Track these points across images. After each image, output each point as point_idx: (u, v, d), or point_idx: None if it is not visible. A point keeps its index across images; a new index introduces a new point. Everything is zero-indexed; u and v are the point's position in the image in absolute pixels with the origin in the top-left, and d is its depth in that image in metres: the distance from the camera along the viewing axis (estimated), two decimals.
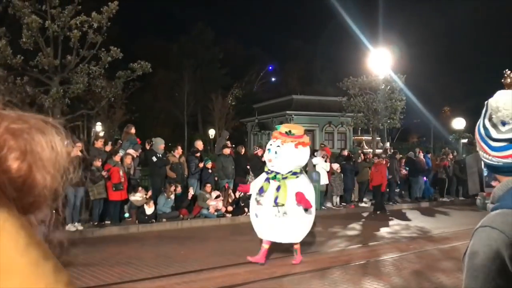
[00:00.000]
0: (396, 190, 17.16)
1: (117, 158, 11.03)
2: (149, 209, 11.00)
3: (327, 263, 7.77)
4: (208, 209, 11.84)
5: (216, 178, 13.16)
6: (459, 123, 29.19)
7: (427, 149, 21.87)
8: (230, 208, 12.31)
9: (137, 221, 10.92)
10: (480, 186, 1.73)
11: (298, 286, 6.46)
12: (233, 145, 14.65)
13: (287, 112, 33.38)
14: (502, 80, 13.75)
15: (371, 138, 29.36)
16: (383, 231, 11.42)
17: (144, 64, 15.24)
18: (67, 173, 0.58)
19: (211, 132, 39.04)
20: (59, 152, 0.56)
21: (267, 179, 7.52)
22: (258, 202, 7.49)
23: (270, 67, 49.27)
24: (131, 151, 11.49)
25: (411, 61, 30.35)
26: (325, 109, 32.82)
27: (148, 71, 15.64)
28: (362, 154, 16.98)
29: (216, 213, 11.95)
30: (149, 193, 11.35)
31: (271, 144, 7.64)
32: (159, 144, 12.14)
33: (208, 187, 12.14)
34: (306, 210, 7.39)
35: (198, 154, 12.97)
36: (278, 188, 7.30)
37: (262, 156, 13.78)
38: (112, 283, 6.42)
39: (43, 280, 0.51)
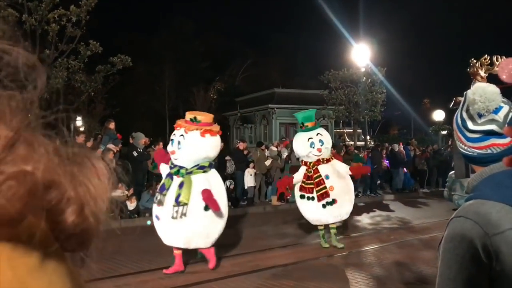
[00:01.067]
0: (377, 182, 17.38)
1: (97, 153, 10.93)
2: (131, 205, 10.93)
3: (309, 255, 7.85)
4: None
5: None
6: (438, 115, 29.67)
7: (407, 141, 22.16)
8: None
9: (119, 217, 10.84)
10: (465, 172, 1.76)
11: (281, 279, 6.52)
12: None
13: (269, 105, 33.36)
14: (468, 69, 13.94)
15: (352, 130, 29.61)
16: (365, 222, 11.57)
17: (124, 58, 15.10)
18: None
19: None
20: (106, 186, 0.50)
21: (169, 175, 6.52)
22: (159, 202, 6.46)
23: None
24: (111, 146, 11.40)
25: (391, 54, 30.67)
26: (307, 102, 32.72)
27: (129, 65, 15.50)
28: (344, 147, 17.14)
29: None
30: (131, 190, 11.25)
31: (174, 134, 6.64)
32: (140, 138, 12.06)
33: None
34: (207, 210, 6.42)
35: None
36: (181, 185, 6.33)
37: (244, 149, 13.88)
38: (95, 279, 6.36)
39: None
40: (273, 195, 13.92)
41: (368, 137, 30.45)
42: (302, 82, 41.13)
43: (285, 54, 47.98)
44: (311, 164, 8.08)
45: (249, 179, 13.42)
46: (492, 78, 14.71)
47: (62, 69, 14.04)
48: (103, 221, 0.50)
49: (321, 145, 7.98)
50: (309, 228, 10.51)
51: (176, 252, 6.69)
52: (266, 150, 14.34)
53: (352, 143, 25.07)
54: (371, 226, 10.99)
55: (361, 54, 23.48)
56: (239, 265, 7.16)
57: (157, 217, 6.57)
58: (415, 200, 16.02)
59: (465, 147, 1.42)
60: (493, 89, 1.39)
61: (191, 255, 7.19)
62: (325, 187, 7.85)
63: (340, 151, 16.17)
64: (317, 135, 8.12)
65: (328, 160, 8.12)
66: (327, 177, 7.90)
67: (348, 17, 30.75)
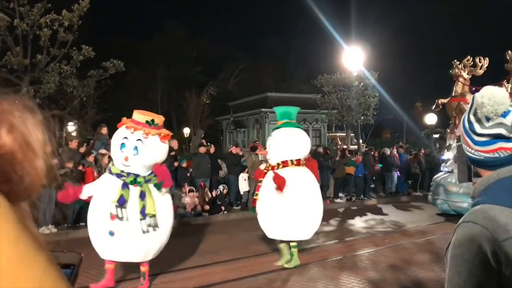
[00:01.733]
0: (371, 186, 17.42)
1: (90, 158, 10.89)
2: None
3: (304, 260, 7.83)
4: (184, 208, 11.77)
5: (188, 175, 13.07)
6: (430, 119, 29.79)
7: (400, 145, 22.24)
8: (207, 207, 12.26)
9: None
10: (468, 176, 1.74)
11: (276, 283, 6.49)
12: (208, 144, 14.60)
13: (262, 109, 33.41)
14: (450, 71, 13.77)
15: (345, 134, 29.69)
16: (359, 226, 11.57)
17: (117, 62, 15.04)
18: (56, 159, 0.56)
19: (186, 131, 38.80)
20: (46, 137, 0.54)
21: (125, 185, 5.74)
22: (116, 216, 5.64)
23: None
24: (103, 151, 11.32)
25: (383, 58, 30.79)
26: (300, 106, 32.47)
27: (121, 69, 15.45)
28: (339, 151, 17.17)
29: (193, 212, 11.89)
30: None
31: (125, 138, 5.81)
32: None
33: (186, 187, 12.08)
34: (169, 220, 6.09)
35: (173, 153, 12.84)
36: (142, 196, 5.74)
37: (237, 154, 13.85)
38: (88, 285, 6.32)
39: (31, 274, 0.48)
40: None
41: (361, 141, 30.53)
42: (295, 86, 41.21)
43: (278, 58, 48.12)
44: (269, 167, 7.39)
45: (243, 184, 13.39)
46: (476, 80, 14.27)
47: (54, 74, 13.95)
48: (44, 168, 0.53)
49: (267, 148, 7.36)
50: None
51: (109, 266, 6.13)
52: (260, 154, 14.32)
53: (346, 146, 25.13)
54: (365, 230, 11.00)
55: (353, 58, 23.59)
56: (233, 271, 7.12)
57: (111, 233, 5.69)
58: (409, 203, 16.07)
59: (472, 151, 1.41)
60: (502, 93, 1.38)
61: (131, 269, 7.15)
62: (256, 194, 7.32)
63: (335, 155, 16.17)
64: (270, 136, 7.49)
65: (273, 168, 7.12)
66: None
67: (341, 22, 30.86)
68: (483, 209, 1.30)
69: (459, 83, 13.41)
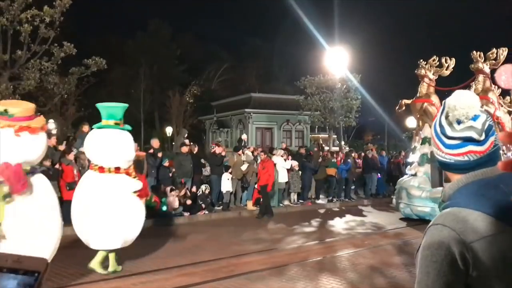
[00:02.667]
0: (352, 188, 17.55)
1: (70, 156, 10.76)
2: None
3: (284, 260, 7.85)
4: (166, 207, 11.70)
5: (170, 175, 12.99)
6: (412, 122, 30.11)
7: (382, 147, 22.48)
8: (189, 202, 12.21)
9: None
10: (439, 181, 1.76)
11: (256, 284, 6.50)
12: (191, 143, 14.54)
13: (246, 110, 33.43)
14: (415, 71, 13.65)
15: (327, 136, 29.87)
16: (339, 227, 11.65)
17: (99, 60, 14.91)
18: None
19: (169, 130, 38.58)
20: None
21: None
22: None
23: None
24: (83, 149, 11.18)
25: (366, 61, 31.06)
26: (283, 107, 33.09)
27: (103, 67, 15.32)
28: (321, 152, 17.27)
29: (173, 212, 11.83)
30: None
31: None
32: None
33: (162, 188, 12.01)
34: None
35: (152, 151, 12.70)
36: None
37: (220, 154, 13.82)
38: (66, 285, 6.25)
39: None
40: (249, 200, 13.91)
41: (343, 143, 30.77)
42: (279, 87, 41.31)
43: (262, 59, 48.12)
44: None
45: (226, 184, 13.37)
46: (442, 81, 14.05)
47: (35, 70, 13.77)
48: None
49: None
50: (284, 233, 10.53)
51: None
52: (243, 154, 14.32)
53: (328, 148, 25.27)
54: (345, 231, 11.07)
55: (337, 61, 23.75)
56: (213, 271, 7.11)
57: None
58: (389, 205, 16.22)
59: (442, 154, 1.43)
60: (473, 96, 1.41)
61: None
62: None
63: (318, 157, 16.24)
64: None
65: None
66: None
67: (324, 24, 31.06)
68: (453, 212, 1.32)
69: (424, 83, 13.17)
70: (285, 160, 14.60)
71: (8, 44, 13.81)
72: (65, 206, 10.44)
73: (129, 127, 6.79)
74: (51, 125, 32.29)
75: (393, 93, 13.14)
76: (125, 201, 6.44)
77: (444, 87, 13.31)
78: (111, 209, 6.30)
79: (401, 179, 13.76)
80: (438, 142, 1.44)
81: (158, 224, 11.30)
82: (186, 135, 15.04)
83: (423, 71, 13.10)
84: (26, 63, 13.96)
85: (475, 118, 1.38)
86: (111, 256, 6.82)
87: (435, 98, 13.01)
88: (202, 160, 14.02)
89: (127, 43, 42.47)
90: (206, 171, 13.76)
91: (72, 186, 10.33)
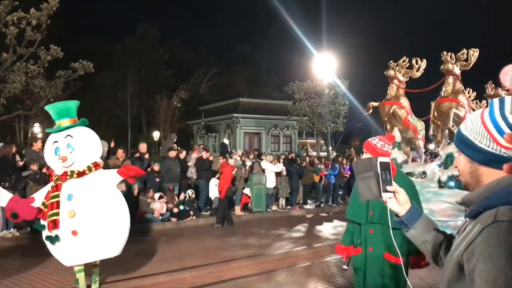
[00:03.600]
0: (339, 193, 17.61)
1: None
2: None
3: (273, 266, 7.83)
4: (152, 213, 11.62)
5: (157, 180, 12.90)
6: (397, 133, 30.33)
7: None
8: (175, 210, 12.13)
9: None
10: (377, 191, 1.71)
11: None
12: (179, 148, 14.46)
13: (234, 115, 33.43)
14: (385, 72, 13.30)
15: (315, 141, 29.97)
16: (327, 232, 11.66)
17: (86, 64, 14.81)
18: None
19: (156, 134, 38.40)
20: None
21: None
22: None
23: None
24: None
25: (354, 66, 31.31)
26: (271, 113, 33.17)
27: (90, 71, 15.21)
28: (307, 157, 17.29)
29: (160, 217, 11.75)
30: None
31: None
32: (104, 146, 11.70)
33: (151, 192, 11.91)
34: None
35: (138, 155, 12.60)
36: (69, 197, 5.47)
37: (207, 158, 13.78)
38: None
39: None
40: (237, 205, 13.86)
41: (330, 148, 30.87)
42: (267, 92, 41.42)
43: (250, 64, 48.25)
44: (56, 178, 5.65)
45: (214, 189, 13.32)
46: (412, 83, 13.72)
47: (21, 73, 13.62)
48: None
49: (70, 152, 5.54)
50: (272, 238, 10.48)
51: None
52: (230, 159, 14.28)
53: (315, 153, 25.36)
54: (333, 236, 11.08)
55: (324, 66, 23.86)
56: (201, 277, 7.06)
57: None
58: None
59: (495, 146, 1.41)
60: None
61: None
62: (56, 213, 5.39)
63: (302, 161, 16.28)
64: (66, 137, 5.61)
65: (82, 174, 5.62)
66: (69, 197, 5.46)
67: (313, 30, 31.30)
68: None
69: (393, 85, 12.59)
70: (274, 164, 14.61)
71: None
72: None
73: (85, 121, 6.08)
74: (37, 129, 32.00)
75: (380, 98, 12.73)
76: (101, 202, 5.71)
77: (414, 90, 12.96)
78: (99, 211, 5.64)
79: None
80: (496, 134, 1.41)
81: (145, 230, 11.21)
82: (175, 140, 14.95)
83: (392, 72, 12.56)
84: (12, 65, 13.81)
85: None
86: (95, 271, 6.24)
87: (404, 101, 12.60)
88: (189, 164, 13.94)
89: (115, 47, 42.29)
90: (190, 172, 13.61)
91: None
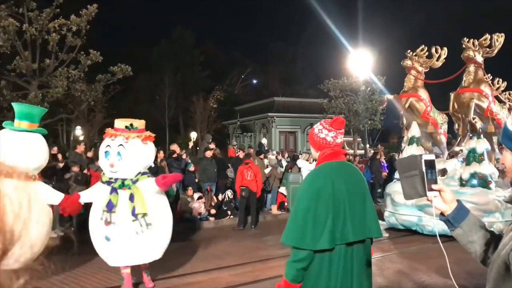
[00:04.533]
0: (378, 191, 17.32)
1: (98, 163, 10.94)
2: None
3: None
4: (191, 213, 11.78)
5: (197, 181, 13.09)
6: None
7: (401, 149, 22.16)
8: (213, 211, 12.26)
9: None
10: (422, 190, 1.66)
11: None
12: (215, 148, 14.59)
13: (269, 114, 33.46)
14: (402, 62, 11.80)
15: (352, 139, 29.60)
16: None
17: (125, 67, 15.14)
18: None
19: (193, 135, 38.91)
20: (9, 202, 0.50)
21: (114, 190, 5.77)
22: (107, 221, 5.67)
23: (254, 81, 49.45)
24: None
25: (390, 63, 30.68)
26: (306, 111, 32.99)
27: (129, 74, 15.54)
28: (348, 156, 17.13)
29: (199, 217, 11.90)
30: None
31: (108, 146, 5.89)
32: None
33: (190, 190, 12.08)
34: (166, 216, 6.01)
35: (175, 155, 12.80)
36: (131, 198, 5.72)
37: (244, 157, 13.84)
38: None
39: None
40: (273, 204, 13.87)
41: (367, 146, 30.43)
42: (302, 90, 41.22)
43: (285, 63, 48.15)
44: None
45: None
46: (431, 73, 12.01)
47: (62, 78, 14.06)
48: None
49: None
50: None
51: (125, 271, 6.06)
52: (265, 158, 14.31)
53: (352, 151, 25.04)
54: None
55: (360, 63, 23.55)
56: (238, 276, 7.11)
57: (107, 238, 5.72)
58: None
59: None
60: None
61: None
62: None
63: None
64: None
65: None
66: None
67: (348, 26, 30.89)
68: None
69: (411, 76, 11.83)
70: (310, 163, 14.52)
71: (37, 53, 14.16)
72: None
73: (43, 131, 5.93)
74: (78, 131, 33.00)
75: (440, 97, 12.19)
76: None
77: (434, 80, 12.33)
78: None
79: (388, 184, 12.31)
80: None
81: (184, 229, 11.38)
82: (211, 139, 15.11)
83: (409, 62, 11.80)
84: (54, 71, 14.28)
85: None
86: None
87: (423, 93, 11.79)
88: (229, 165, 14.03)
89: (151, 50, 43.07)
90: (230, 172, 13.70)
91: None
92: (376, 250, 8.89)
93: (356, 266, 2.76)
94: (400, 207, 10.77)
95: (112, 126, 6.24)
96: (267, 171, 13.80)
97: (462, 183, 10.33)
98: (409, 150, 11.13)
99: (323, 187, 2.72)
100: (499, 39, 11.29)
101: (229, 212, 12.60)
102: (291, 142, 33.89)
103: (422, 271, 7.31)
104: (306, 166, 14.30)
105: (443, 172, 10.97)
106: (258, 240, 10.15)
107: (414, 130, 11.31)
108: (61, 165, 10.51)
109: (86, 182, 10.42)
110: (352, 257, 2.75)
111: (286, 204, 13.81)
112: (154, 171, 10.88)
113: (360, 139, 30.23)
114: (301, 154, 15.53)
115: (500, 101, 12.22)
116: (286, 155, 16.11)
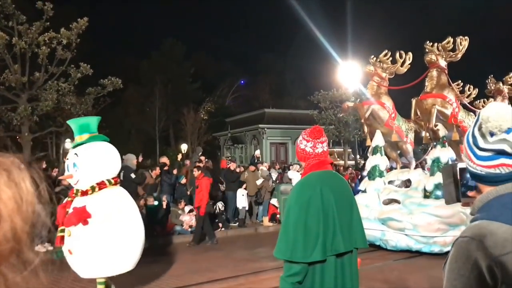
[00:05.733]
0: None
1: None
2: None
3: None
4: (182, 225, 11.73)
5: (188, 193, 13.07)
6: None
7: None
8: None
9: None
10: (456, 197, 1.75)
11: None
12: (206, 160, 14.56)
13: (260, 125, 33.53)
14: (364, 69, 11.27)
15: (342, 150, 29.73)
16: None
17: (115, 80, 15.11)
18: (37, 219, 0.52)
19: (184, 147, 38.84)
20: (25, 199, 0.50)
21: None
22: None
23: (242, 82, 49.58)
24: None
25: None
26: (297, 122, 33.11)
27: (119, 87, 15.50)
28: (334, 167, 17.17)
29: (190, 229, 11.84)
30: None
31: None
32: (132, 159, 11.89)
33: (182, 203, 12.04)
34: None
35: (166, 168, 12.82)
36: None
37: (235, 169, 13.86)
38: None
39: None
40: (265, 216, 13.86)
41: (358, 156, 30.58)
42: (292, 102, 41.38)
43: (275, 74, 48.37)
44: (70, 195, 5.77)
45: (241, 200, 13.37)
46: (396, 79, 11.44)
47: (52, 91, 13.98)
48: (20, 233, 0.50)
49: (75, 170, 5.51)
50: None
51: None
52: (257, 170, 14.32)
53: (342, 162, 25.15)
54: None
55: (350, 75, 23.76)
56: None
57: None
58: None
59: (474, 165, 1.42)
60: (508, 109, 1.39)
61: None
62: (62, 230, 5.40)
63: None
64: (74, 155, 5.59)
65: (84, 193, 5.51)
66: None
67: (337, 38, 31.12)
68: (481, 225, 1.32)
69: (373, 82, 11.15)
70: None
71: (27, 67, 14.09)
72: None
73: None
74: (68, 144, 32.76)
75: (407, 105, 12.10)
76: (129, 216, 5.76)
77: (396, 86, 11.85)
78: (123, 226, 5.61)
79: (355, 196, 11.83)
80: (470, 153, 1.43)
81: (175, 242, 11.32)
82: (201, 152, 15.08)
83: (372, 68, 11.17)
84: (44, 84, 14.21)
85: (508, 131, 1.36)
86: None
87: (386, 100, 11.15)
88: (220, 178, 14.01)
89: (141, 62, 43.07)
90: (223, 187, 13.71)
91: None
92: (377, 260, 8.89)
93: (347, 276, 2.75)
94: (363, 220, 10.15)
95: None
96: (258, 182, 13.81)
97: (426, 194, 9.76)
98: (372, 160, 10.80)
99: (311, 197, 2.71)
100: (463, 43, 10.79)
101: (220, 225, 12.56)
102: (282, 154, 33.95)
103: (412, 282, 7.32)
104: (297, 178, 14.33)
105: (407, 183, 10.49)
106: (250, 252, 10.12)
107: (378, 139, 10.75)
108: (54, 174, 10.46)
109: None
110: (343, 268, 2.74)
111: (277, 215, 13.80)
112: (138, 180, 10.91)
113: (350, 149, 30.38)
114: (292, 165, 15.55)
115: (468, 108, 11.55)
116: (278, 166, 16.14)
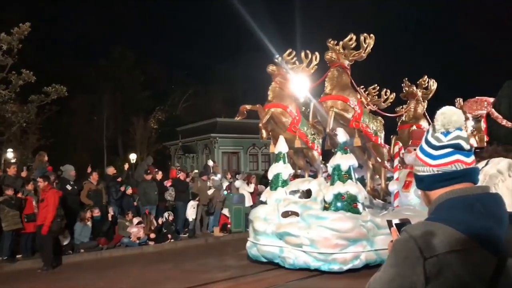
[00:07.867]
0: None
1: (30, 187, 10.42)
2: (64, 240, 10.40)
3: (252, 287, 7.75)
4: (129, 237, 11.42)
5: (135, 204, 12.75)
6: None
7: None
8: (152, 235, 11.93)
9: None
10: None
11: None
12: (156, 170, 14.26)
13: (211, 135, 33.39)
14: (267, 69, 10.34)
15: None
16: None
17: (60, 87, 14.66)
18: None
19: (132, 157, 38.05)
20: None
21: None
22: None
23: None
24: (40, 179, 10.84)
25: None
26: (249, 132, 33.18)
27: (64, 94, 15.04)
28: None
29: (138, 241, 11.55)
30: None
31: None
32: (70, 171, 11.49)
33: (130, 215, 11.74)
34: None
35: (119, 179, 12.56)
36: None
37: (185, 179, 13.67)
38: None
39: None
40: (215, 226, 13.74)
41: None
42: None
43: (227, 84, 48.39)
44: None
45: (191, 212, 13.19)
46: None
47: None
48: None
49: None
50: (252, 259, 10.34)
51: None
52: (208, 180, 14.19)
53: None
54: None
55: (299, 85, 24.03)
56: None
57: None
58: None
59: (430, 168, 1.45)
60: (457, 109, 1.45)
61: None
62: None
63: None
64: None
65: None
66: None
67: (288, 48, 31.62)
68: (425, 224, 1.36)
69: (275, 84, 10.77)
70: (247, 184, 14.52)
71: None
72: (23, 238, 10.11)
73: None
74: (10, 154, 31.30)
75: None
76: None
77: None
78: None
79: (253, 209, 10.50)
80: (425, 157, 1.46)
81: (122, 254, 11.01)
82: (152, 162, 14.76)
83: (274, 68, 10.60)
84: None
85: (460, 128, 1.43)
86: None
87: (289, 103, 10.49)
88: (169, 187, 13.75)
89: (89, 69, 41.95)
90: (170, 195, 13.38)
91: (31, 218, 9.96)
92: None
93: None
94: (261, 236, 9.02)
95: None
96: (209, 192, 13.68)
97: (325, 206, 8.56)
98: (274, 169, 9.77)
99: None
100: (368, 40, 10.12)
101: (169, 236, 12.32)
102: (234, 163, 33.92)
103: None
104: (243, 187, 14.28)
105: (308, 193, 9.29)
106: (200, 263, 9.98)
107: (281, 146, 9.81)
108: None
109: (20, 206, 9.88)
110: None
111: (228, 226, 13.71)
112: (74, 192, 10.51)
113: None
114: (238, 175, 15.45)
115: (376, 113, 11.08)
116: (229, 176, 16.03)
